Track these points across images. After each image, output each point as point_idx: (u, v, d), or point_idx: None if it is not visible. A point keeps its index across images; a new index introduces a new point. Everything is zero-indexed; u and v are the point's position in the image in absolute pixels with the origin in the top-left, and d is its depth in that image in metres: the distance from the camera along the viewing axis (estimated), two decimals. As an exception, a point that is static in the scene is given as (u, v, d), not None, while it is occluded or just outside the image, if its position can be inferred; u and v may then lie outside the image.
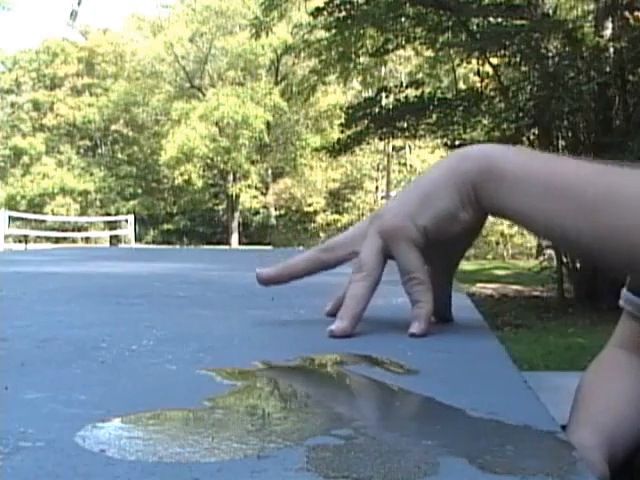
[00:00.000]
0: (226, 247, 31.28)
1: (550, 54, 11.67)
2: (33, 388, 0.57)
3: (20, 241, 24.06)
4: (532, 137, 11.90)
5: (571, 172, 0.84)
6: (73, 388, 0.58)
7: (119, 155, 44.51)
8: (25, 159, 43.26)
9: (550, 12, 12.67)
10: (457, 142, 13.32)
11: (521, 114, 11.65)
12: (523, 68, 12.13)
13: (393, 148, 37.57)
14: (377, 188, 40.60)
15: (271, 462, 0.42)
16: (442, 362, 0.74)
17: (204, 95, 39.74)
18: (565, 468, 0.43)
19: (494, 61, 12.15)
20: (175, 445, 0.45)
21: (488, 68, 12.39)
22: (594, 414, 1.01)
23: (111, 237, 29.27)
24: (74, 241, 31.40)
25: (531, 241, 27.03)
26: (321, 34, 15.73)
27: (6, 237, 20.99)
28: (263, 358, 0.69)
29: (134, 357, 0.70)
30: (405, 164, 39.33)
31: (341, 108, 19.97)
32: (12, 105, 46.64)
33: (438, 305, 0.94)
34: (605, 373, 1.12)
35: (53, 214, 37.29)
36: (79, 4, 45.06)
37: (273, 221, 41.43)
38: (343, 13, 12.33)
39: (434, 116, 12.69)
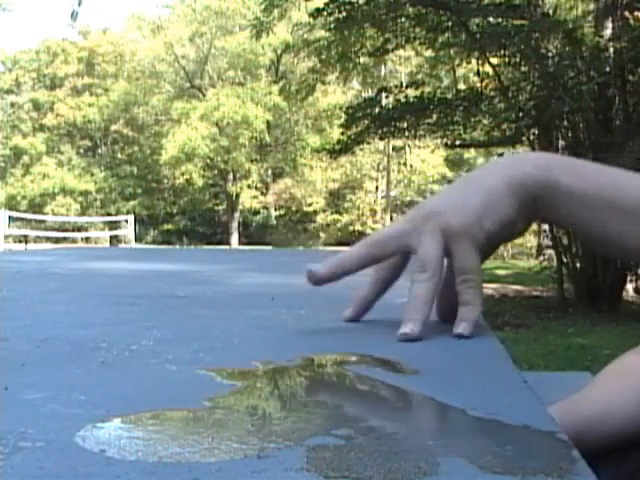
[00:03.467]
0: (226, 247, 31.27)
1: (550, 54, 11.68)
2: (33, 388, 0.57)
3: (20, 241, 24.07)
4: (532, 137, 11.90)
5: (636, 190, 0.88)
6: (73, 388, 0.58)
7: (119, 155, 44.55)
8: (25, 159, 43.30)
9: (550, 12, 12.69)
10: (457, 142, 13.34)
11: (521, 114, 11.66)
12: (523, 68, 12.13)
13: (393, 148, 37.59)
14: (377, 188, 40.63)
15: (271, 462, 0.41)
16: (442, 362, 0.74)
17: (204, 95, 39.76)
18: (565, 468, 0.43)
19: (494, 61, 12.15)
20: (175, 445, 0.45)
21: (488, 68, 12.40)
22: (596, 392, 1.01)
23: (111, 237, 29.28)
24: (74, 241, 31.41)
25: (531, 241, 27.03)
26: (321, 34, 15.74)
27: (6, 237, 21.00)
28: (263, 358, 0.69)
29: (134, 357, 0.70)
30: (405, 164, 39.35)
31: (341, 108, 19.97)
32: (12, 105, 46.67)
33: (447, 314, 0.94)
34: (622, 370, 1.10)
35: (53, 214, 37.30)
36: (79, 4, 45.02)
37: (273, 221, 41.47)
38: (343, 14, 12.33)
39: (434, 116, 12.70)
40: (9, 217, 21.62)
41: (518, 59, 11.92)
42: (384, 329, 0.85)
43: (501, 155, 14.23)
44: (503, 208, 0.88)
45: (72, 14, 47.28)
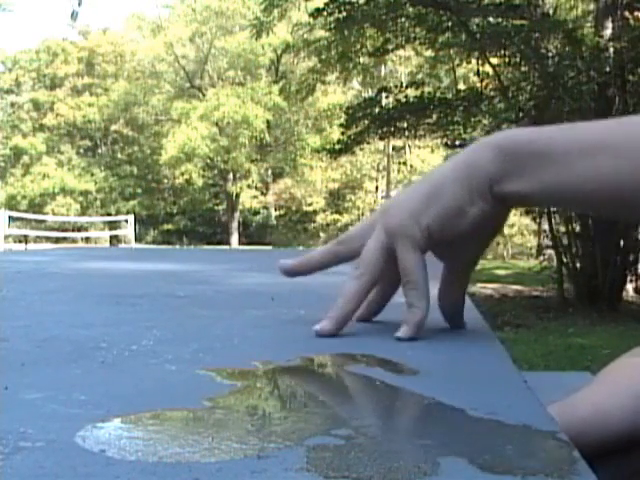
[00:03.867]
0: (226, 247, 31.28)
1: (550, 54, 11.68)
2: (33, 388, 0.57)
3: (20, 241, 24.07)
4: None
5: (602, 128, 0.83)
6: (73, 388, 0.58)
7: (119, 155, 44.55)
8: (25, 159, 43.30)
9: (550, 12, 12.70)
10: (457, 142, 13.34)
11: (521, 114, 11.66)
12: (523, 68, 12.14)
13: (393, 148, 37.59)
14: (377, 188, 40.62)
15: (271, 462, 0.42)
16: (442, 362, 0.74)
17: (204, 95, 39.74)
18: (565, 468, 0.43)
19: (494, 61, 12.16)
20: (175, 445, 0.45)
21: (488, 68, 12.40)
22: (594, 392, 1.01)
23: (111, 237, 29.28)
24: (74, 241, 31.42)
25: (531, 241, 27.04)
26: (321, 33, 15.75)
27: (6, 237, 21.00)
28: (263, 358, 0.69)
29: (134, 357, 0.70)
30: (405, 164, 39.33)
31: (341, 108, 19.99)
32: (12, 105, 46.68)
33: (451, 310, 0.93)
34: (621, 371, 1.09)
35: (54, 214, 37.30)
36: (79, 4, 45.01)
37: (273, 221, 41.47)
38: (343, 14, 12.33)
39: (434, 116, 12.71)
40: (9, 217, 21.62)
41: (518, 59, 11.92)
42: (384, 329, 0.85)
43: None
44: (444, 197, 0.85)
45: (72, 14, 47.31)
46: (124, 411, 0.51)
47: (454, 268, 0.93)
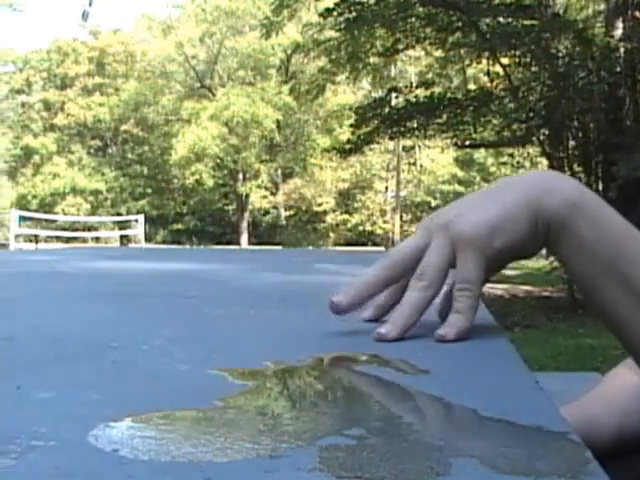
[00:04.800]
0: (236, 247, 31.29)
1: (560, 54, 11.66)
2: (45, 387, 0.57)
3: (31, 241, 24.10)
4: (542, 137, 11.88)
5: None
6: (85, 387, 0.58)
7: (129, 155, 44.62)
8: (36, 159, 43.41)
9: (560, 12, 12.67)
10: (467, 142, 13.33)
11: (531, 114, 11.64)
12: (533, 68, 12.12)
13: (403, 148, 37.55)
14: (387, 188, 40.60)
15: (283, 462, 0.42)
16: (453, 362, 0.74)
17: (214, 95, 39.77)
18: (578, 469, 0.43)
19: (504, 61, 12.14)
20: (187, 445, 0.45)
21: (498, 68, 12.38)
22: (609, 392, 1.01)
23: (121, 237, 29.29)
24: (84, 241, 31.46)
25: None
26: (331, 34, 15.72)
27: (17, 237, 21.03)
28: (274, 358, 0.69)
29: (146, 357, 0.70)
30: (415, 164, 39.31)
31: (351, 108, 19.96)
32: (23, 105, 46.80)
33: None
34: (628, 373, 1.11)
35: (64, 214, 37.36)
36: (90, 5, 45.10)
37: (283, 221, 41.46)
38: (353, 14, 12.32)
39: (444, 116, 12.69)
40: (20, 217, 21.66)
41: (528, 59, 11.90)
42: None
43: (511, 156, 14.21)
44: (517, 230, 0.86)
45: (83, 14, 47.44)
46: (136, 411, 0.51)
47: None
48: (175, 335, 0.83)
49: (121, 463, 0.41)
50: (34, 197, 41.44)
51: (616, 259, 0.85)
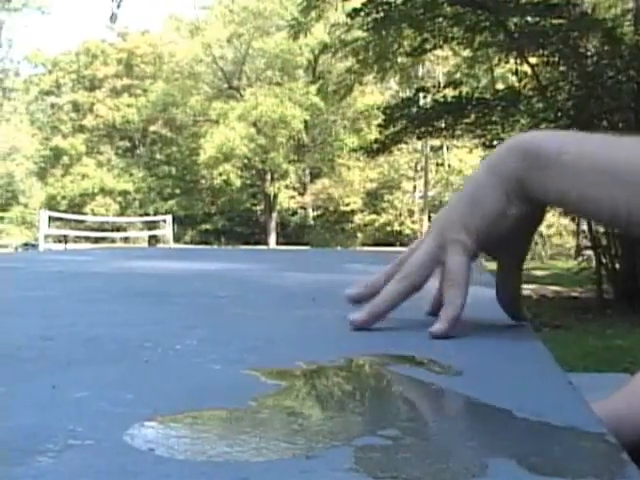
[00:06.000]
0: (264, 247, 31.34)
1: (589, 53, 11.59)
2: (80, 387, 0.57)
3: (60, 241, 24.22)
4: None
5: (628, 154, 0.83)
6: (119, 387, 0.58)
7: (158, 155, 44.80)
8: (65, 159, 43.66)
9: (589, 11, 12.58)
10: (495, 142, 13.27)
11: (559, 114, 11.57)
12: (561, 67, 12.04)
13: (431, 148, 37.48)
14: (415, 188, 40.51)
15: (319, 462, 0.42)
16: (485, 362, 0.73)
17: (242, 95, 39.85)
18: (614, 471, 0.43)
19: (532, 60, 12.07)
20: (223, 444, 0.45)
21: (526, 68, 12.32)
22: (629, 392, 1.01)
23: (149, 237, 29.39)
24: (113, 241, 31.60)
25: (570, 242, 26.84)
26: (358, 34, 15.69)
27: (46, 237, 21.16)
28: (306, 358, 0.69)
29: (178, 356, 0.70)
30: (442, 164, 39.21)
31: (378, 108, 19.93)
32: (52, 106, 47.08)
33: (508, 300, 0.96)
34: None
35: (93, 214, 37.54)
36: (118, 7, 45.29)
37: (311, 221, 41.46)
38: (380, 14, 12.30)
39: (472, 116, 12.63)
40: (49, 217, 21.79)
41: (557, 58, 11.82)
42: (426, 329, 0.85)
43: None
44: (485, 202, 0.88)
45: (111, 16, 47.68)
46: (171, 410, 0.52)
47: (506, 264, 0.97)
48: (206, 335, 0.83)
49: (157, 462, 0.42)
50: (63, 198, 41.69)
51: (612, 161, 0.83)
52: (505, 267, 0.96)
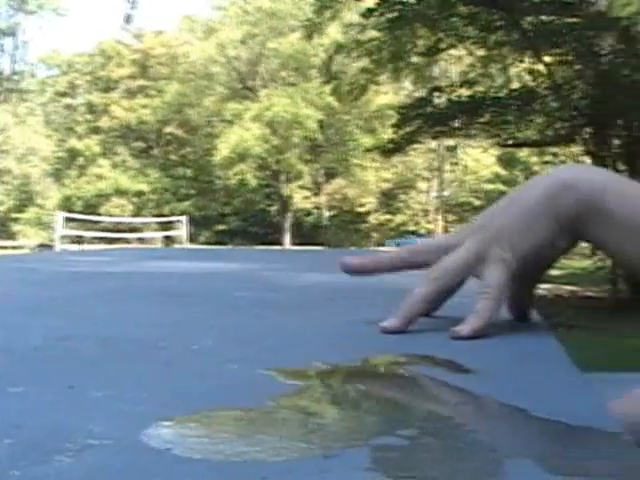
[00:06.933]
0: (279, 247, 31.34)
1: (604, 52, 11.54)
2: (98, 387, 0.58)
3: (75, 242, 24.30)
4: (586, 136, 11.77)
5: None
6: (137, 387, 0.58)
7: (173, 156, 44.85)
8: (81, 161, 43.77)
9: (603, 9, 12.53)
10: (510, 141, 13.24)
11: (575, 113, 11.54)
12: (576, 66, 12.00)
13: (446, 148, 37.41)
14: (430, 188, 40.45)
15: (338, 462, 0.42)
16: (502, 362, 0.73)
17: (256, 96, 39.87)
18: (633, 471, 0.42)
19: (547, 59, 12.03)
20: (241, 444, 0.45)
21: (541, 67, 12.28)
22: None
23: (165, 238, 29.45)
24: (128, 242, 31.64)
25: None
26: (372, 34, 15.68)
27: (62, 238, 21.23)
28: (324, 358, 0.69)
29: (196, 356, 0.70)
30: (457, 164, 39.15)
31: (393, 108, 19.91)
32: (68, 107, 47.21)
33: (519, 314, 0.97)
34: None
35: (108, 215, 37.61)
36: (133, 8, 45.38)
37: (326, 221, 41.44)
38: (395, 14, 12.29)
39: (487, 115, 12.60)
40: (64, 218, 21.86)
41: (572, 57, 11.79)
42: (444, 329, 0.85)
43: (554, 155, 14.11)
44: (538, 233, 0.88)
45: (126, 17, 47.79)
46: (188, 410, 0.52)
47: (525, 282, 0.97)
48: (224, 335, 0.84)
49: (175, 462, 0.42)
50: (79, 199, 41.78)
51: None
52: (521, 285, 0.95)
